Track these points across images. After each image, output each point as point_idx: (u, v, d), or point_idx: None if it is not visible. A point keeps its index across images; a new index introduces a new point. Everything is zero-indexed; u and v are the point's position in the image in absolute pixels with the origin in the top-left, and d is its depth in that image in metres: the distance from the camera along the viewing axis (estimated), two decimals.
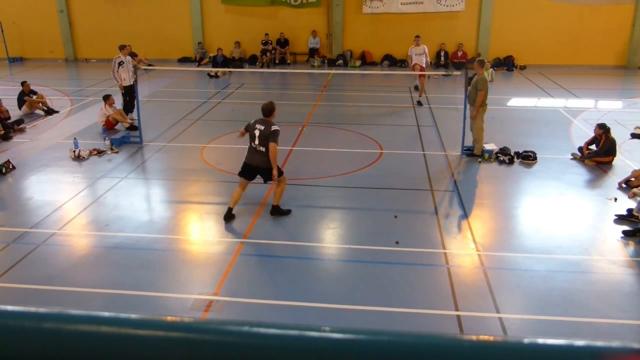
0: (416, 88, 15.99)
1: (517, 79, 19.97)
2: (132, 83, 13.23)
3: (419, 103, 15.31)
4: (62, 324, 1.04)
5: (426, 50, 15.53)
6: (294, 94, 17.92)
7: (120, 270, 6.68)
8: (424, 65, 15.39)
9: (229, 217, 7.96)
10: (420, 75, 15.40)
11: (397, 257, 6.98)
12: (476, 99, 10.37)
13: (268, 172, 7.79)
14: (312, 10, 22.32)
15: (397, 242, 7.24)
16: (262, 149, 7.69)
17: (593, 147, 10.51)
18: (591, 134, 10.92)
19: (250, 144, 7.84)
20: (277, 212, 8.08)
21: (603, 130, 10.35)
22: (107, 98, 12.80)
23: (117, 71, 13.33)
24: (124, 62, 13.37)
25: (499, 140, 11.22)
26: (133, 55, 20.77)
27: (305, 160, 10.75)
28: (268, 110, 7.80)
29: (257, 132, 7.69)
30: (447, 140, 11.75)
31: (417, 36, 15.89)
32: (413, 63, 15.49)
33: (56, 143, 11.82)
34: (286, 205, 8.26)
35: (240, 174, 8.02)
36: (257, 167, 7.85)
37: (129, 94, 13.53)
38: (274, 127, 7.67)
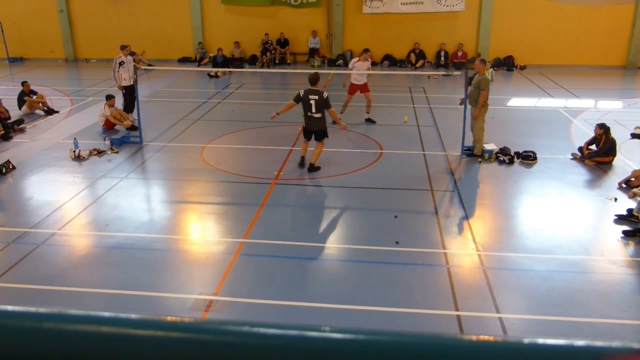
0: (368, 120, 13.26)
1: (517, 79, 19.97)
2: (132, 83, 13.28)
3: (370, 120, 13.19)
4: (62, 324, 1.04)
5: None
6: (294, 94, 17.85)
7: (120, 270, 6.68)
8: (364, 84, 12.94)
9: (303, 164, 9.78)
10: (365, 90, 12.97)
11: (397, 257, 6.98)
12: (479, 98, 10.35)
13: (321, 133, 9.67)
14: (312, 10, 22.31)
15: (397, 242, 7.24)
16: (319, 115, 9.41)
17: (593, 147, 10.51)
18: (591, 134, 10.92)
19: (307, 112, 9.48)
20: (314, 169, 9.66)
21: (603, 130, 10.35)
22: (108, 98, 12.81)
23: (118, 71, 13.37)
24: (124, 62, 13.41)
25: (499, 140, 11.22)
26: (131, 54, 20.78)
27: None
28: (315, 80, 9.48)
29: (312, 102, 9.35)
30: (447, 140, 11.75)
31: (367, 50, 13.26)
32: (351, 84, 12.91)
33: (56, 143, 11.82)
34: (286, 205, 8.25)
35: (304, 135, 9.91)
36: (313, 131, 9.65)
37: (130, 93, 13.57)
38: (325, 94, 9.42)
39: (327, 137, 9.82)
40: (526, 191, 9.34)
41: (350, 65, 13.03)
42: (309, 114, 9.48)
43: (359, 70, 12.80)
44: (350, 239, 7.55)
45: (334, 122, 10.41)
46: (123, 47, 13.63)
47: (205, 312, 5.83)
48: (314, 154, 9.76)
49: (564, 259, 6.89)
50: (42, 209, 8.37)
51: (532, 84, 18.72)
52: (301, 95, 9.52)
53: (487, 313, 5.83)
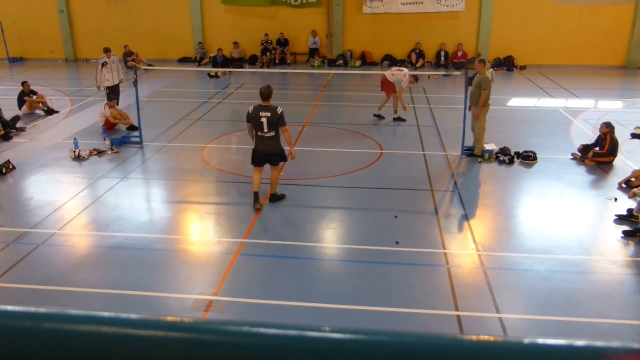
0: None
1: (517, 79, 19.97)
2: (117, 83, 13.85)
3: (400, 119, 13.52)
4: (62, 324, 1.04)
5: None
6: (294, 94, 17.93)
7: (120, 270, 6.68)
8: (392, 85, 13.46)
9: (258, 200, 8.22)
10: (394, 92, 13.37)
11: (397, 257, 6.98)
12: (479, 98, 10.35)
13: (277, 156, 8.20)
14: (312, 10, 22.32)
15: (397, 242, 7.24)
16: (272, 133, 7.98)
17: (596, 149, 10.45)
18: (590, 134, 10.92)
19: (257, 132, 7.99)
20: (276, 198, 8.47)
21: (609, 130, 10.32)
22: (109, 99, 12.83)
23: (101, 71, 13.58)
24: (107, 63, 13.66)
25: (499, 140, 11.22)
26: (129, 54, 20.86)
27: (305, 160, 10.74)
28: (268, 94, 7.98)
29: (264, 120, 7.90)
30: (447, 140, 11.75)
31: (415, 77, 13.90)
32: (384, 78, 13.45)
33: (56, 143, 11.82)
34: (286, 205, 8.25)
35: (253, 162, 8.25)
36: (267, 153, 8.13)
37: (115, 93, 13.68)
38: (279, 110, 7.95)
39: (285, 160, 8.36)
40: (526, 191, 9.34)
41: (403, 80, 13.23)
42: (259, 133, 7.96)
43: (399, 79, 13.21)
44: (350, 239, 7.55)
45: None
46: (106, 50, 13.88)
47: (205, 312, 5.83)
48: (272, 181, 8.41)
49: (564, 259, 6.89)
50: (42, 209, 8.37)
51: (532, 84, 18.72)
52: (250, 112, 8.01)
53: (487, 313, 5.83)
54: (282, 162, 8.47)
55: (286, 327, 1.03)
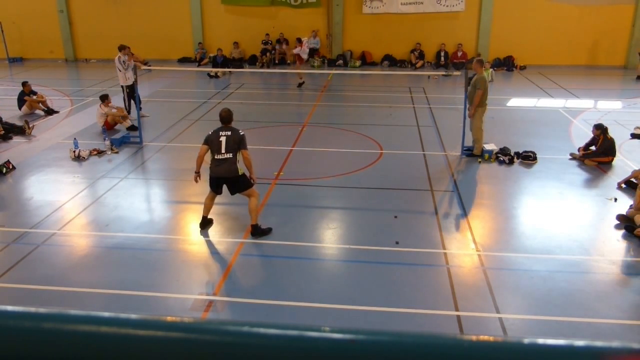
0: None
1: (517, 79, 19.97)
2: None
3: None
4: (62, 324, 1.04)
5: None
6: (294, 94, 17.93)
7: (120, 270, 6.68)
8: None
9: (203, 225, 7.71)
10: None
11: (397, 257, 6.98)
12: (474, 98, 10.39)
13: (235, 182, 7.54)
14: (312, 10, 22.32)
15: (397, 242, 7.24)
16: (229, 155, 7.32)
17: (593, 148, 10.49)
18: (590, 134, 10.94)
19: (214, 155, 7.40)
20: (259, 232, 7.45)
21: (600, 131, 10.38)
22: (105, 98, 12.80)
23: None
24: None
25: (499, 140, 11.22)
26: (129, 54, 20.81)
27: (305, 160, 10.75)
28: (229, 118, 7.51)
29: (223, 140, 7.35)
30: (447, 140, 11.75)
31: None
32: None
33: (56, 143, 11.82)
34: (286, 205, 8.25)
35: (211, 186, 7.69)
36: (221, 177, 7.50)
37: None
38: (242, 132, 7.46)
39: (250, 186, 7.51)
40: (526, 191, 9.34)
41: None
42: (216, 156, 7.36)
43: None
44: (350, 239, 7.55)
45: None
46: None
47: (205, 312, 5.83)
48: (250, 211, 7.46)
49: (564, 259, 6.89)
50: (42, 209, 8.37)
51: (532, 84, 18.73)
52: (210, 134, 7.49)
53: (487, 313, 5.83)
54: (249, 189, 7.50)
55: (286, 327, 1.03)
